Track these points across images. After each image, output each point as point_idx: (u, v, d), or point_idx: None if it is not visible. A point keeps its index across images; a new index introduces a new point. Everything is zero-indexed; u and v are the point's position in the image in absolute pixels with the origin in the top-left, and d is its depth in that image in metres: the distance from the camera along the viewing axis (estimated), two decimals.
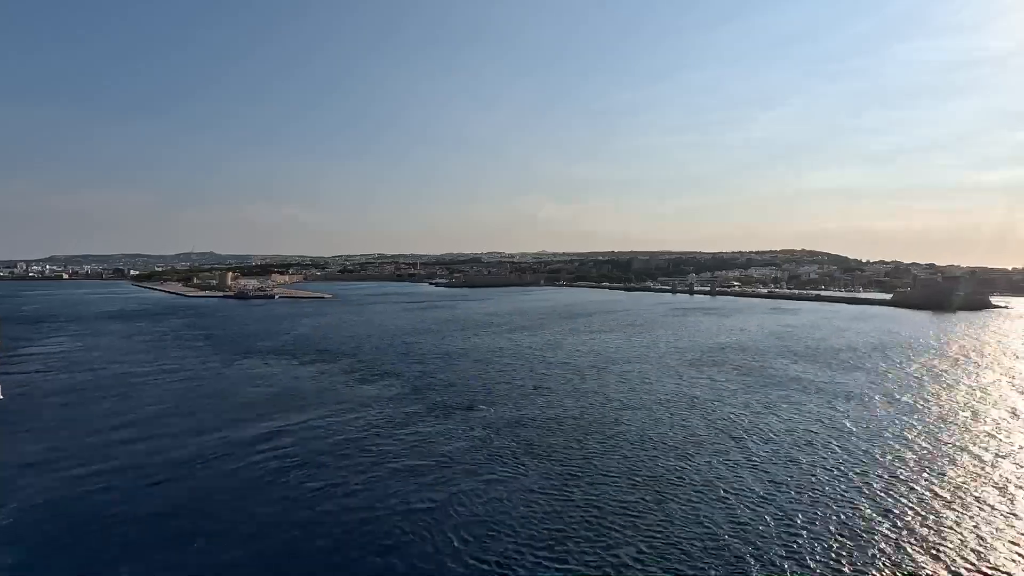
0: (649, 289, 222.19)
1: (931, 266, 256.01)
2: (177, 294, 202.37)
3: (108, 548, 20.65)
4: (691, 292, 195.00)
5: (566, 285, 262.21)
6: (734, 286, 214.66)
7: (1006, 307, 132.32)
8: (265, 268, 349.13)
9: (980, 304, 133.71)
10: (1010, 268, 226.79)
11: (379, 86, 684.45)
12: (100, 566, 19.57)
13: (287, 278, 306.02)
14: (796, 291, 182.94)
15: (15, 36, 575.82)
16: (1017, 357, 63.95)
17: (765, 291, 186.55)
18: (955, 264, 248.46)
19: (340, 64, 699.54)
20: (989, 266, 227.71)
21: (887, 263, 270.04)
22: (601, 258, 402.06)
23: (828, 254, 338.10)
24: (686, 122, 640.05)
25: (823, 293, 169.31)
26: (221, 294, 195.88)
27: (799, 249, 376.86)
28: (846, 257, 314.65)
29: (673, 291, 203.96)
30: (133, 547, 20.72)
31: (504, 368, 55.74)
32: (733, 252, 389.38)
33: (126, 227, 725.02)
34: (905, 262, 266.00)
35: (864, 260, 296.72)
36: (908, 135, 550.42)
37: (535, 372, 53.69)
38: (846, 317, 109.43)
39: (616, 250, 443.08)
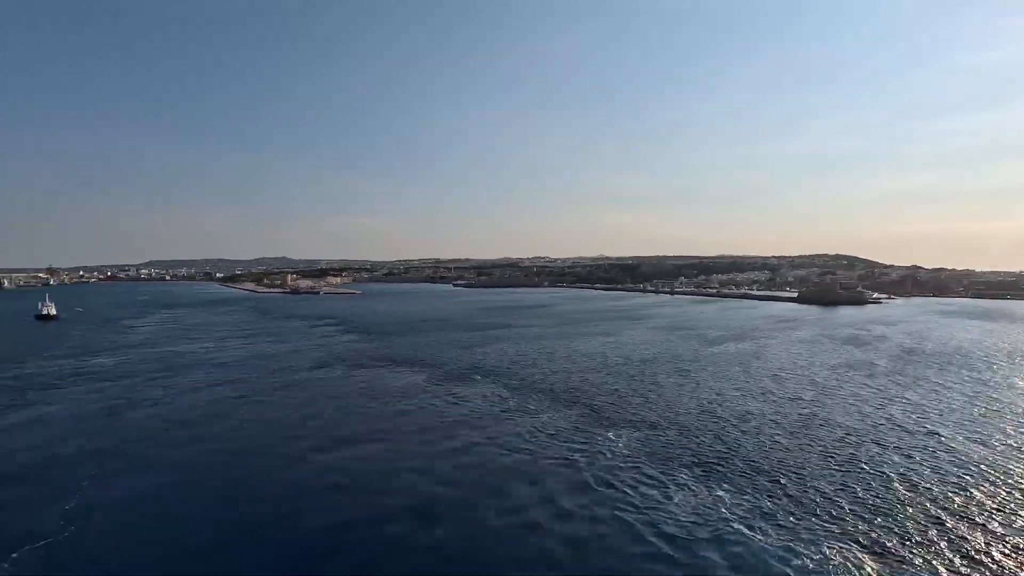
0: (634, 290, 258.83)
1: (914, 266, 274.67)
2: (250, 291, 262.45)
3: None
4: (657, 291, 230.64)
5: (566, 286, 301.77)
6: (712, 288, 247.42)
7: (878, 302, 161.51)
8: (324, 272, 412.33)
9: (861, 300, 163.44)
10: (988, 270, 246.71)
11: (438, 116, 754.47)
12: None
13: (339, 279, 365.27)
14: (736, 290, 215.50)
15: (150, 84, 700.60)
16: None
17: (714, 291, 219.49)
18: (971, 268, 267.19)
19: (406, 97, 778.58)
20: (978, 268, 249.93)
21: (888, 266, 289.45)
22: (630, 262, 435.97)
23: (857, 258, 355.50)
24: (737, 135, 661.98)
25: (751, 291, 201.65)
26: (281, 291, 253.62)
27: (832, 254, 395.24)
28: (875, 261, 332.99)
29: (643, 291, 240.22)
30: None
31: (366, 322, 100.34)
32: (755, 256, 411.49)
33: (214, 236, 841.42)
34: (894, 264, 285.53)
35: (889, 264, 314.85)
36: (965, 141, 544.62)
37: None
38: (730, 307, 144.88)
39: (661, 254, 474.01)
